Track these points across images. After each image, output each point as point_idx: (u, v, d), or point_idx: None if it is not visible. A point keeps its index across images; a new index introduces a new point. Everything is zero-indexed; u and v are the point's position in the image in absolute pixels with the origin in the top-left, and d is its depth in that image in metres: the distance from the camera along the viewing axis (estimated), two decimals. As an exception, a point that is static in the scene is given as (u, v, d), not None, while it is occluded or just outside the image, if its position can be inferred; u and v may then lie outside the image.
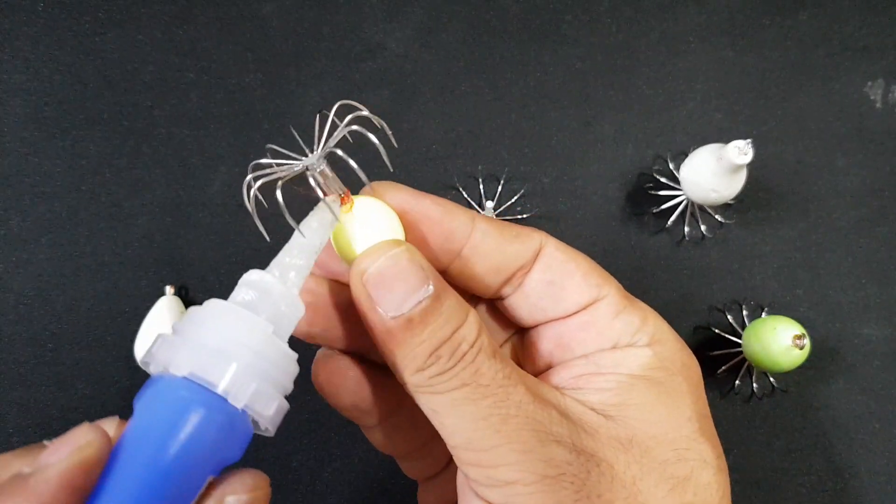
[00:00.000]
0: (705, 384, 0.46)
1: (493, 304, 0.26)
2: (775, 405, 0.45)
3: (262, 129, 0.47)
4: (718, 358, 0.45)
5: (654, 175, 0.47)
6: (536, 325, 0.25)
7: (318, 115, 0.22)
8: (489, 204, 0.45)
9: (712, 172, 0.40)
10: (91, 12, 0.48)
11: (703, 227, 0.46)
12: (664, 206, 0.46)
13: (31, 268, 0.45)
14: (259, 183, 0.22)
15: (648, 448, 0.21)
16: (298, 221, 0.22)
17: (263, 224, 0.22)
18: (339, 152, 0.21)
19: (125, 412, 0.47)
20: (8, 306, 0.45)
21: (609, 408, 0.22)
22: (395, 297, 0.20)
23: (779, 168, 0.47)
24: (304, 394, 0.45)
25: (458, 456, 0.21)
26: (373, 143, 0.22)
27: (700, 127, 0.47)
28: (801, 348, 0.39)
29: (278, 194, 0.21)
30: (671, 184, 0.46)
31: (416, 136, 0.47)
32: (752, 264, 0.46)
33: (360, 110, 0.22)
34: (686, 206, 0.46)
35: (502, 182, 0.47)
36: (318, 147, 0.22)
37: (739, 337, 0.44)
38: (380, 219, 0.21)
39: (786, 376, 0.45)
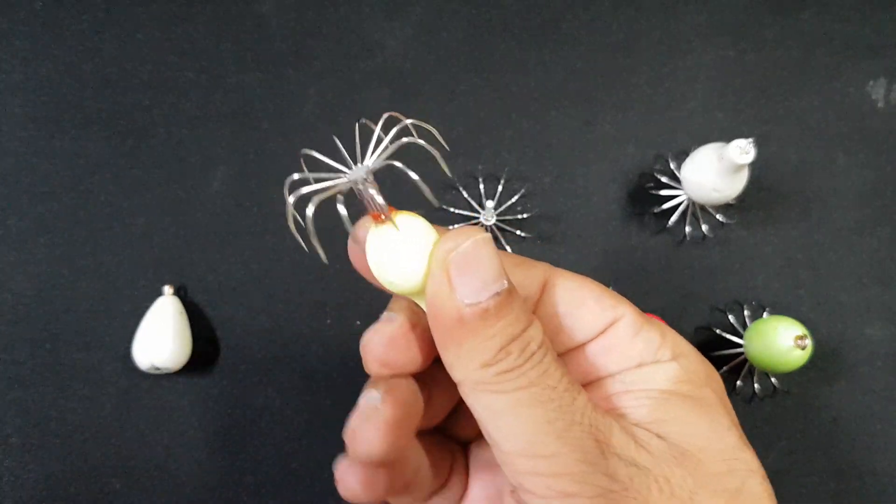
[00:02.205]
0: (706, 385, 0.46)
1: None
2: (777, 406, 0.45)
3: (261, 129, 0.47)
4: (720, 358, 0.45)
5: (655, 175, 0.46)
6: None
7: (357, 125, 0.21)
8: (489, 204, 0.44)
9: (714, 172, 0.40)
10: (89, 11, 0.48)
11: (704, 227, 0.46)
12: (665, 206, 0.46)
13: (29, 268, 0.45)
14: (293, 198, 0.21)
15: (700, 461, 0.21)
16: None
17: (303, 241, 0.22)
18: (399, 165, 0.20)
19: (124, 412, 0.47)
20: (6, 306, 0.45)
21: (650, 424, 0.22)
22: (474, 284, 0.19)
23: (780, 168, 0.47)
24: (304, 394, 0.45)
25: (513, 464, 0.20)
26: (426, 153, 0.21)
27: (701, 126, 0.47)
28: (803, 349, 0.39)
29: (340, 209, 0.20)
30: (672, 183, 0.46)
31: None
32: (753, 264, 0.46)
33: (402, 120, 0.21)
34: (687, 206, 0.46)
35: (502, 182, 0.46)
36: (366, 159, 0.21)
37: (741, 337, 0.43)
38: (423, 233, 0.20)
39: (787, 377, 0.45)
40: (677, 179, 0.45)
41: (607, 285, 0.48)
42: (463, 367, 0.20)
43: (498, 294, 0.19)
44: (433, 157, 0.21)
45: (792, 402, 0.45)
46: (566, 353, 0.24)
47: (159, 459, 0.44)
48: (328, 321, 0.45)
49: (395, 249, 0.20)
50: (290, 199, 0.20)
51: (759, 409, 0.45)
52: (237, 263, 0.46)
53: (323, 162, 0.21)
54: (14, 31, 0.47)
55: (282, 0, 0.48)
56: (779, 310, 0.45)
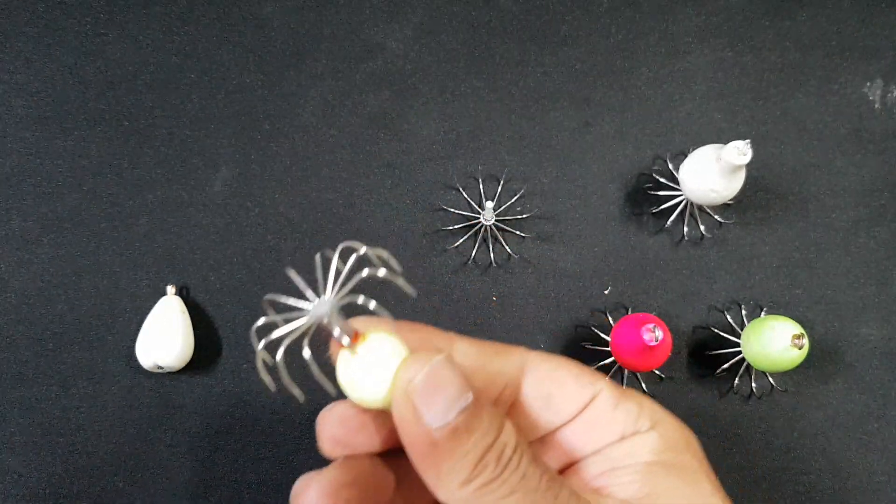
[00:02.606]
0: (704, 384, 0.47)
1: None
2: (774, 405, 0.45)
3: (262, 130, 0.47)
4: (717, 358, 0.45)
5: (654, 175, 0.47)
6: (537, 438, 0.25)
7: (318, 256, 0.21)
8: (489, 204, 0.45)
9: (711, 173, 0.40)
10: (92, 13, 0.48)
11: (702, 227, 0.46)
12: (663, 207, 0.46)
13: (32, 267, 0.46)
14: (262, 344, 0.20)
15: None
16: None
17: (273, 380, 0.21)
18: (361, 299, 0.20)
19: (126, 412, 0.47)
20: (10, 306, 0.45)
21: (640, 500, 0.22)
22: (440, 406, 0.19)
23: (777, 168, 0.47)
24: (306, 393, 0.45)
25: None
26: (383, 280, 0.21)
27: (699, 127, 0.48)
28: (800, 348, 0.39)
29: (306, 354, 0.20)
30: (670, 184, 0.46)
31: (416, 136, 0.47)
32: (750, 264, 0.46)
33: (357, 249, 0.21)
34: (685, 207, 0.46)
35: (502, 182, 0.47)
36: (328, 291, 0.20)
37: (738, 337, 0.44)
38: (390, 354, 0.20)
39: (784, 376, 0.45)
40: (675, 180, 0.46)
41: (606, 286, 0.49)
42: (444, 488, 0.20)
43: (465, 409, 0.19)
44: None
45: (789, 401, 0.45)
46: (551, 435, 0.24)
47: (162, 458, 0.44)
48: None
49: (363, 372, 0.20)
50: (260, 346, 0.20)
51: (757, 407, 0.45)
52: (239, 263, 0.46)
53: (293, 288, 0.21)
54: (17, 33, 0.48)
55: (283, 2, 0.48)
56: (776, 309, 0.46)
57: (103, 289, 0.45)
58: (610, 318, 0.45)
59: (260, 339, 0.20)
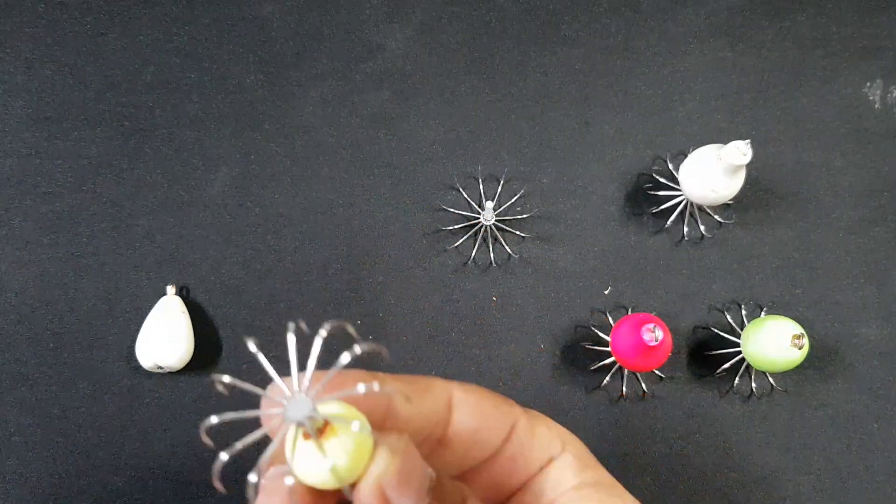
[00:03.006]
0: (704, 383, 0.47)
1: None
2: (774, 405, 0.45)
3: (262, 130, 0.47)
4: (717, 358, 0.45)
5: (654, 175, 0.47)
6: (463, 473, 0.25)
7: (290, 329, 0.19)
8: (489, 204, 0.45)
9: (711, 173, 0.40)
10: (92, 13, 0.48)
11: (702, 228, 0.46)
12: (663, 207, 0.46)
13: (32, 268, 0.46)
14: (226, 455, 0.18)
15: None
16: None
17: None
18: (336, 407, 0.18)
19: (126, 412, 0.47)
20: (9, 306, 0.45)
21: None
22: (412, 493, 0.18)
23: (777, 168, 0.47)
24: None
25: None
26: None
27: (699, 127, 0.48)
28: (800, 348, 0.39)
29: (287, 481, 0.18)
30: (670, 184, 0.46)
31: (416, 136, 0.47)
32: (750, 264, 0.46)
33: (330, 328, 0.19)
34: (685, 207, 0.46)
35: (502, 182, 0.47)
36: (300, 382, 0.18)
37: (738, 337, 0.44)
38: (359, 441, 0.18)
39: (784, 376, 0.45)
40: (675, 180, 0.46)
41: (606, 286, 0.49)
42: None
43: (431, 487, 0.19)
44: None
45: (789, 401, 0.45)
46: (481, 468, 0.24)
47: (162, 458, 0.44)
48: (329, 320, 0.45)
49: (321, 457, 0.18)
50: (224, 457, 0.18)
51: (757, 407, 0.45)
52: (239, 263, 0.46)
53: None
54: (17, 33, 0.48)
55: (283, 2, 0.48)
56: (776, 309, 0.46)
57: (103, 289, 0.45)
58: (610, 318, 0.45)
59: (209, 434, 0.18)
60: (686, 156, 0.43)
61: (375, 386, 0.18)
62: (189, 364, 0.44)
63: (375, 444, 0.18)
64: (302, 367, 0.18)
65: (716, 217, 0.47)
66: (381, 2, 0.49)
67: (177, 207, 0.46)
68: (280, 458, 0.19)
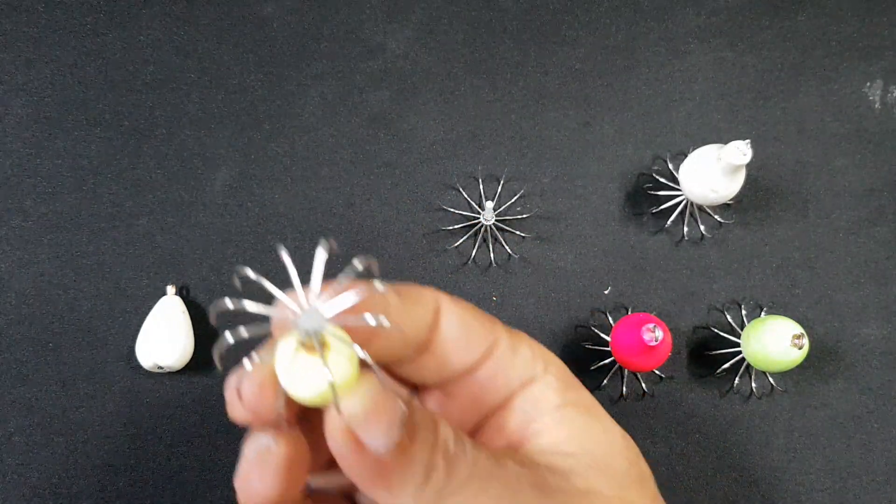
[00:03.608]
0: (704, 383, 0.47)
1: (388, 368, 0.25)
2: (774, 404, 0.45)
3: (262, 130, 0.47)
4: (717, 357, 0.45)
5: (654, 175, 0.47)
6: (444, 384, 0.25)
7: (283, 250, 0.20)
8: (489, 204, 0.45)
9: (711, 173, 0.40)
10: (92, 13, 0.48)
11: (702, 227, 0.46)
12: (663, 207, 0.46)
13: (32, 267, 0.46)
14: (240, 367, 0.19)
15: (611, 464, 0.23)
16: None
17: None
18: (341, 333, 0.18)
19: (127, 411, 0.47)
20: (10, 306, 0.45)
21: (561, 445, 0.23)
22: (382, 429, 0.19)
23: (777, 168, 0.47)
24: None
25: None
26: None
27: (699, 127, 0.48)
28: (800, 348, 0.39)
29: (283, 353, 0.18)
30: (670, 184, 0.46)
31: (416, 136, 0.47)
32: (750, 264, 0.46)
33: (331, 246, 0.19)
34: (685, 207, 0.46)
35: (502, 182, 0.47)
36: (309, 295, 0.19)
37: (738, 336, 0.44)
38: (345, 360, 0.19)
39: (784, 376, 0.45)
40: (675, 180, 0.46)
41: (606, 286, 0.49)
42: (400, 501, 0.20)
43: (403, 421, 0.19)
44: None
45: (789, 401, 0.45)
46: (461, 383, 0.24)
47: (162, 458, 0.44)
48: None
49: (308, 372, 0.18)
50: (228, 337, 0.19)
51: (757, 407, 0.45)
52: (239, 263, 0.46)
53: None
54: (17, 33, 0.48)
55: (283, 2, 0.48)
56: (776, 309, 0.46)
57: (103, 289, 0.45)
58: (610, 318, 0.45)
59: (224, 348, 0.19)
60: (686, 156, 0.43)
61: (378, 287, 0.19)
62: (189, 364, 0.44)
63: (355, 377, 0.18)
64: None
65: (716, 217, 0.47)
66: (381, 2, 0.49)
67: (177, 207, 0.46)
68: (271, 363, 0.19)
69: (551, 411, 0.24)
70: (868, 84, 0.48)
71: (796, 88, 0.48)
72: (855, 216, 0.47)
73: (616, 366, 0.44)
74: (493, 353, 0.24)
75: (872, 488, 0.44)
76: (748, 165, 0.40)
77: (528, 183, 0.47)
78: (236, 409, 0.20)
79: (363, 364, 0.19)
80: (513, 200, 0.46)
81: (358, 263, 0.19)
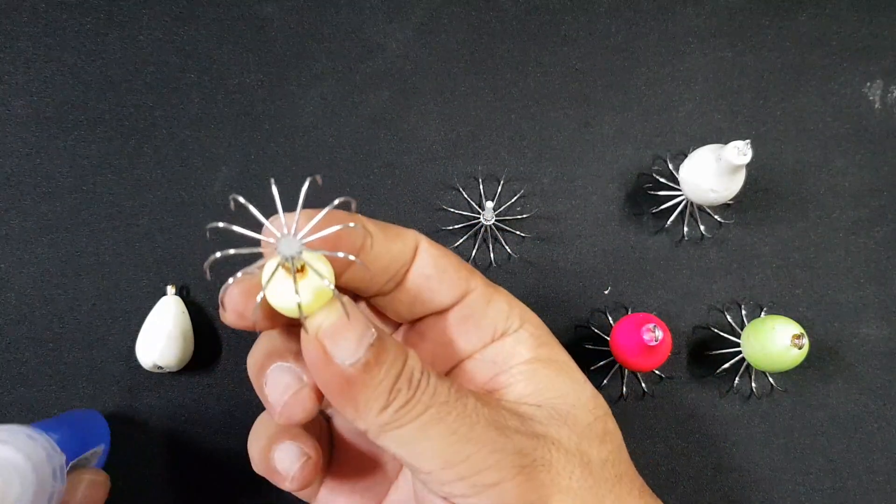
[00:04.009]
0: (704, 383, 0.47)
1: (369, 302, 0.27)
2: (774, 405, 0.45)
3: (262, 130, 0.47)
4: (717, 357, 0.45)
5: (654, 175, 0.47)
6: (416, 320, 0.27)
7: (273, 182, 0.23)
8: (489, 204, 0.45)
9: (711, 173, 0.40)
10: (92, 13, 0.48)
11: (702, 228, 0.46)
12: (663, 207, 0.46)
13: (32, 267, 0.46)
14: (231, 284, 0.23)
15: (575, 417, 0.24)
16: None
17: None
18: (319, 255, 0.21)
19: (126, 412, 0.47)
20: (9, 306, 0.45)
21: (528, 396, 0.25)
22: (349, 345, 0.21)
23: (777, 168, 0.47)
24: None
25: (437, 479, 0.22)
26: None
27: (699, 127, 0.48)
28: (800, 348, 0.39)
29: (267, 274, 0.21)
30: (670, 184, 0.46)
31: (416, 136, 0.47)
32: (750, 264, 0.46)
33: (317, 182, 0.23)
34: (685, 207, 0.46)
35: (502, 182, 0.47)
36: (289, 225, 0.22)
37: (738, 337, 0.44)
38: (321, 280, 0.21)
39: (784, 376, 0.45)
40: (675, 180, 0.46)
41: (606, 286, 0.49)
42: (364, 419, 0.22)
43: (371, 344, 0.21)
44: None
45: (789, 401, 0.45)
46: (426, 319, 0.26)
47: (162, 458, 0.44)
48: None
49: (289, 288, 0.21)
50: (217, 254, 0.22)
51: (757, 407, 0.45)
52: (239, 263, 0.46)
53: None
54: (17, 33, 0.48)
55: (284, 2, 0.48)
56: (776, 309, 0.46)
57: (103, 289, 0.45)
58: (610, 318, 0.45)
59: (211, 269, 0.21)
60: (686, 156, 0.43)
61: (350, 224, 0.22)
62: (189, 364, 0.44)
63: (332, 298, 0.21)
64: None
65: (716, 217, 0.47)
66: (381, 2, 0.49)
67: (177, 207, 0.46)
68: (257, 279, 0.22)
69: (521, 365, 0.25)
70: (868, 84, 0.48)
71: (796, 88, 0.48)
72: (855, 216, 0.47)
73: (616, 366, 0.44)
74: (466, 299, 0.26)
75: (872, 488, 0.44)
76: (748, 165, 0.40)
77: (528, 183, 0.47)
78: (225, 314, 0.23)
79: (342, 289, 0.22)
80: (513, 200, 0.46)
81: (338, 201, 0.22)
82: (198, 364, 0.45)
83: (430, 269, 0.25)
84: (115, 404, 0.45)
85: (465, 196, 0.47)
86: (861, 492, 0.44)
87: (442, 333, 0.26)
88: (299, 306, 0.20)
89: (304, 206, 0.22)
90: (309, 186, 0.23)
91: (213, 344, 0.45)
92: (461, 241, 0.46)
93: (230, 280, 0.22)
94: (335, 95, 0.48)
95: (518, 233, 0.46)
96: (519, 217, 0.47)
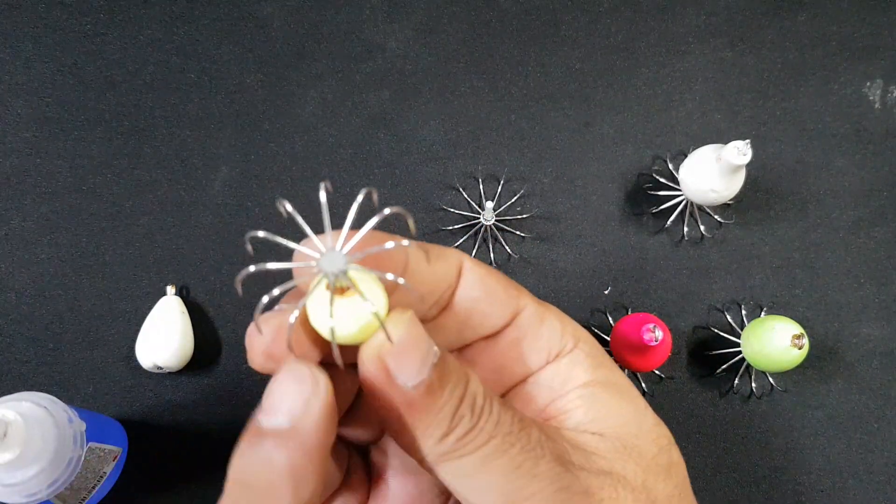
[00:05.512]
0: (704, 383, 0.47)
1: None
2: (774, 404, 0.45)
3: (262, 130, 0.47)
4: (717, 357, 0.45)
5: (654, 175, 0.47)
6: (464, 347, 0.25)
7: (322, 189, 0.21)
8: (489, 204, 0.45)
9: (711, 173, 0.40)
10: (92, 13, 0.48)
11: (702, 228, 0.46)
12: (663, 207, 0.46)
13: (32, 267, 0.46)
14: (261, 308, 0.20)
15: (639, 448, 0.22)
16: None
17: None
18: (373, 275, 0.19)
19: (126, 411, 0.47)
20: (10, 305, 0.45)
21: (588, 424, 0.23)
22: (413, 365, 0.19)
23: (777, 168, 0.47)
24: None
25: None
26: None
27: (699, 127, 0.48)
28: (800, 348, 0.39)
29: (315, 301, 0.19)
30: (670, 184, 0.46)
31: (416, 136, 0.47)
32: (750, 264, 0.46)
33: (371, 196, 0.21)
34: (685, 207, 0.46)
35: (502, 182, 0.47)
36: (336, 239, 0.20)
37: (738, 337, 0.44)
38: (373, 297, 0.20)
39: (784, 376, 0.45)
40: (675, 180, 0.46)
41: (606, 286, 0.49)
42: (423, 446, 0.20)
43: (435, 364, 0.19)
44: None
45: (789, 401, 0.45)
46: (477, 345, 0.24)
47: (162, 458, 0.44)
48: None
49: (339, 310, 0.19)
50: (251, 268, 0.19)
51: (757, 407, 0.45)
52: (239, 263, 0.46)
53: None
54: (17, 34, 0.48)
55: (283, 2, 0.48)
56: (776, 309, 0.46)
57: (103, 289, 0.45)
58: (610, 318, 0.45)
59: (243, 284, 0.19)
60: (686, 156, 0.43)
61: (403, 242, 0.20)
62: (189, 364, 0.44)
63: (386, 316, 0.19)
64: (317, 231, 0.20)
65: (716, 217, 0.47)
66: (381, 2, 0.49)
67: (177, 207, 0.46)
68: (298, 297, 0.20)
69: (578, 389, 0.23)
70: (868, 84, 0.48)
71: (796, 88, 0.48)
72: (855, 216, 0.47)
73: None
74: (517, 320, 0.24)
75: (872, 488, 0.44)
76: (748, 165, 0.40)
77: (528, 183, 0.47)
78: (259, 356, 0.21)
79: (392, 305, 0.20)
80: (513, 200, 0.46)
81: (388, 211, 0.20)
82: (197, 364, 0.45)
83: (477, 291, 0.23)
84: (116, 405, 0.45)
85: (465, 196, 0.47)
86: (861, 492, 0.44)
87: (493, 359, 0.24)
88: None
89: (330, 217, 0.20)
90: (363, 199, 0.21)
91: (214, 344, 0.45)
92: (461, 241, 0.46)
93: (264, 298, 0.20)
94: (335, 95, 0.48)
95: (518, 233, 0.46)
96: (519, 217, 0.47)
